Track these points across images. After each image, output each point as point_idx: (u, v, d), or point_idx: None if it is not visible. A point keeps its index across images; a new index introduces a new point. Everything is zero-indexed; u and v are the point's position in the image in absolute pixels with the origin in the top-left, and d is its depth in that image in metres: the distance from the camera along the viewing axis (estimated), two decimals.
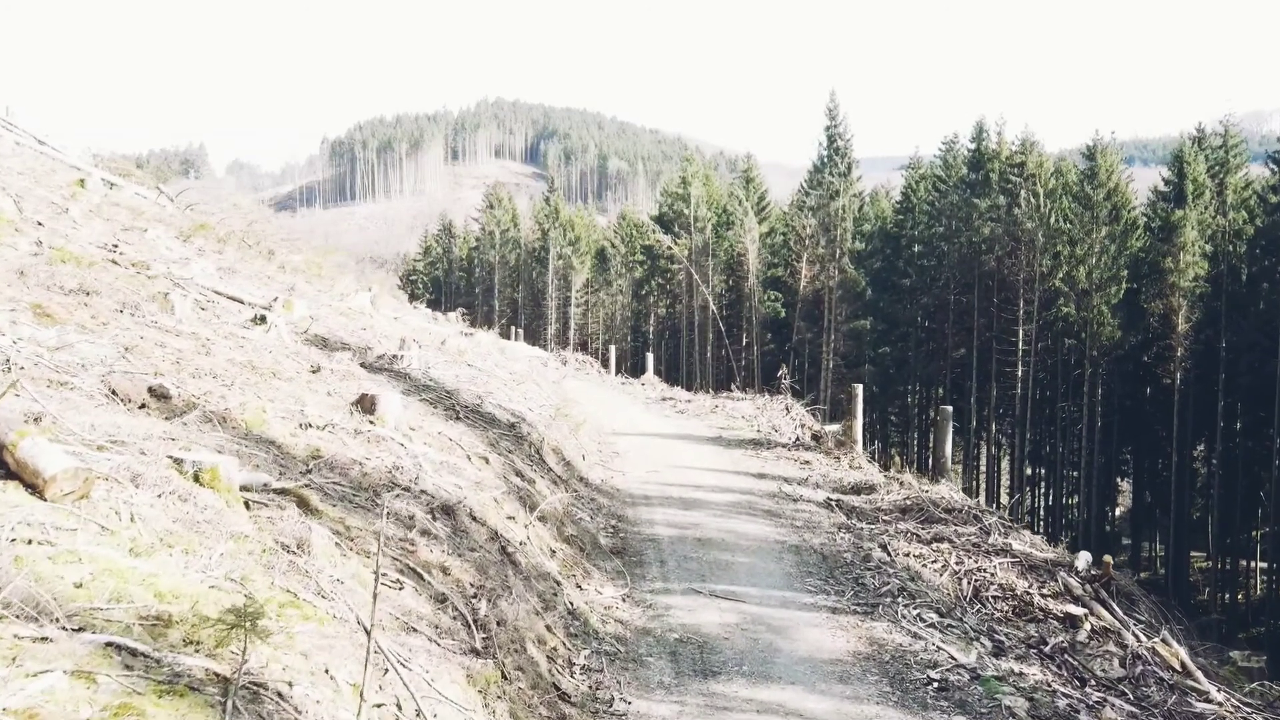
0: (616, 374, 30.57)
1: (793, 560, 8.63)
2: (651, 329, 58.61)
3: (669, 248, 48.66)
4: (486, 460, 8.18)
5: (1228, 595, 39.92)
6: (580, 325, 63.24)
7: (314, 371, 8.88)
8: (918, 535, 10.32)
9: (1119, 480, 46.68)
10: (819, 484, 12.68)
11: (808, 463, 14.10)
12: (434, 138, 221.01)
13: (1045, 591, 9.26)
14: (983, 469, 44.60)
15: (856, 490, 12.49)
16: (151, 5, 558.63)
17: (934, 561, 9.38)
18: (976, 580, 9.12)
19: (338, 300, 13.91)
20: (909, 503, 11.63)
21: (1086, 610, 8.94)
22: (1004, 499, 46.97)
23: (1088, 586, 9.44)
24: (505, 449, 9.03)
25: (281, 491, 5.28)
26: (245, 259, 14.80)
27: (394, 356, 10.40)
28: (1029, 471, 43.10)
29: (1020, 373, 36.46)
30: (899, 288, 43.86)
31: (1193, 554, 42.49)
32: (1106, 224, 34.61)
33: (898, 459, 52.21)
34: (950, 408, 15.75)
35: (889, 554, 9.37)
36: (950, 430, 15.61)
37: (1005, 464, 46.03)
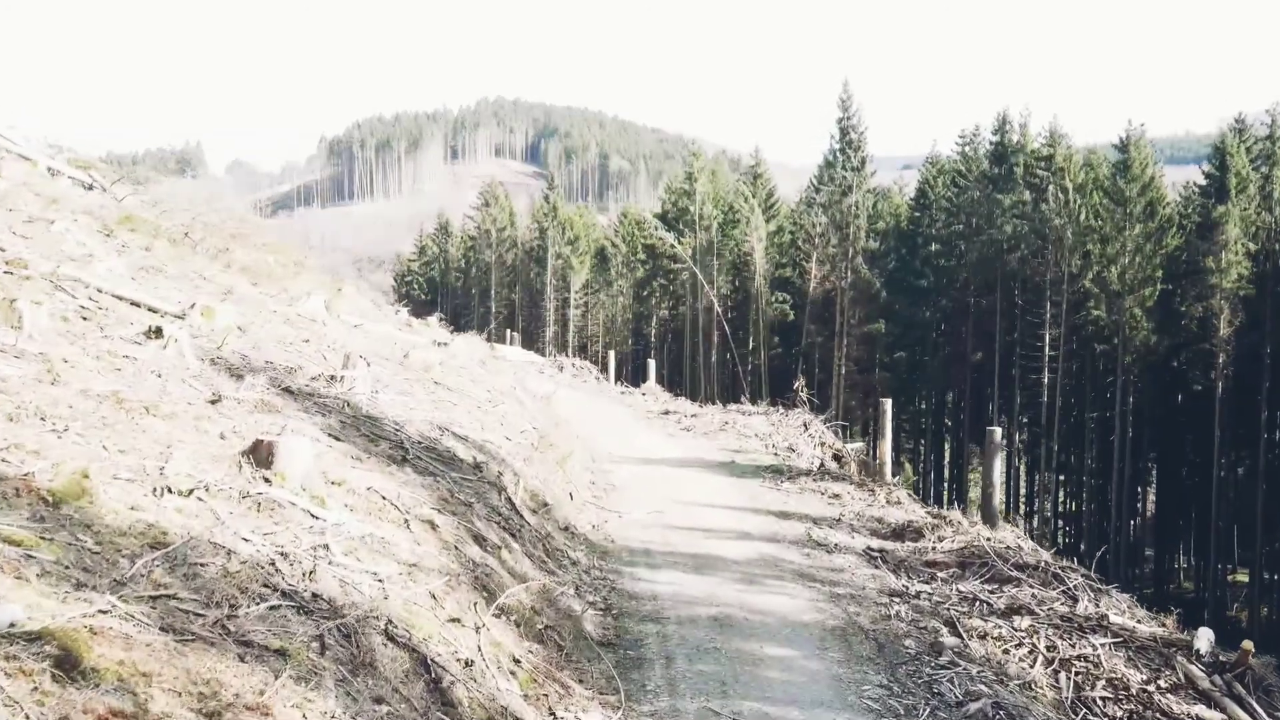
0: (616, 382, 28.52)
1: (840, 653, 6.54)
2: (653, 331, 56.51)
3: (673, 246, 46.50)
4: (433, 525, 6.10)
5: (1265, 611, 37.86)
6: (579, 328, 61.16)
7: (212, 403, 6.81)
8: (989, 603, 8.25)
9: (1139, 489, 44.70)
10: (854, 526, 10.62)
11: (837, 496, 12.02)
12: (433, 137, 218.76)
13: (1163, 684, 7.18)
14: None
15: (899, 534, 10.44)
16: (150, 3, 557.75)
17: (1018, 646, 7.30)
18: (1077, 672, 7.05)
19: (286, 305, 11.84)
20: (968, 553, 9.57)
21: (1222, 714, 6.87)
22: (1020, 508, 44.86)
23: (1217, 678, 7.34)
24: (462, 503, 6.95)
25: (34, 637, 3.18)
26: (182, 256, 12.77)
27: (332, 378, 8.32)
28: (1043, 478, 41.03)
29: (1046, 379, 34.31)
30: (915, 289, 41.71)
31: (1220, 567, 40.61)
32: (1141, 221, 32.42)
33: (908, 467, 50.06)
34: (999, 429, 13.63)
35: (961, 636, 7.28)
36: (1000, 457, 13.49)
37: (1021, 471, 43.92)
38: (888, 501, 11.98)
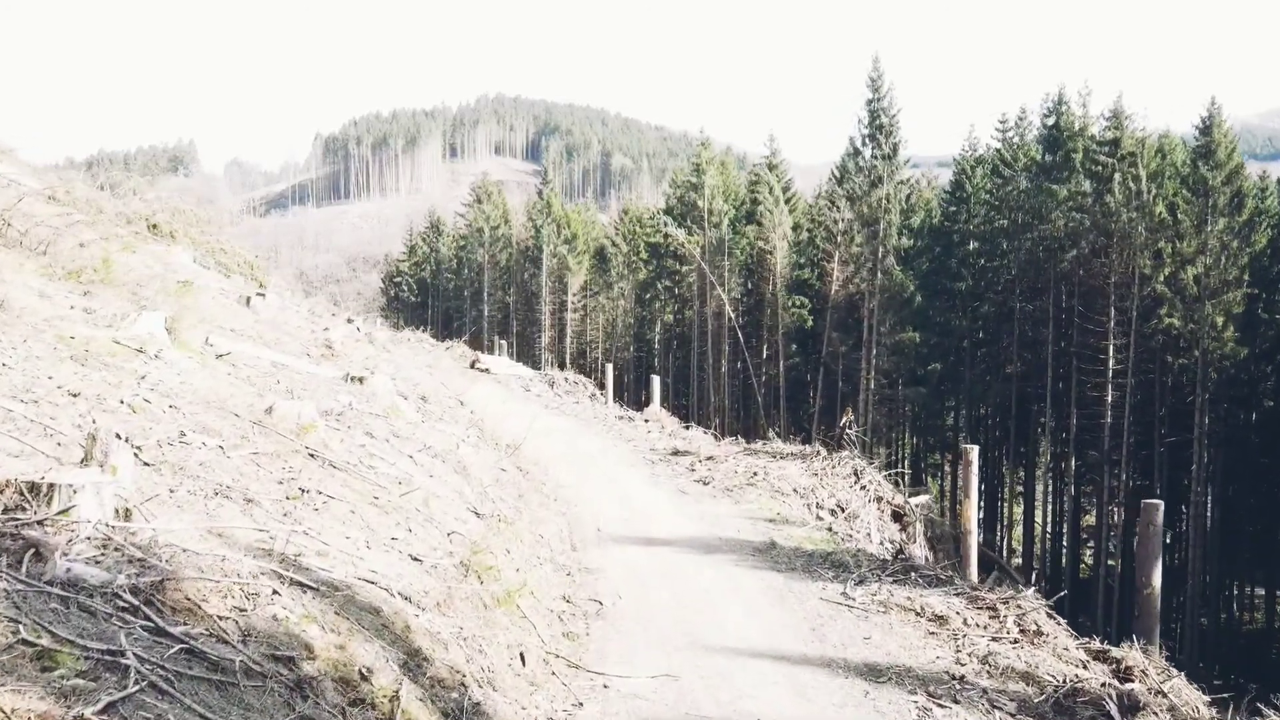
0: (614, 401, 24.34)
1: None
2: (657, 337, 52.28)
3: (682, 244, 42.19)
4: None
5: None
6: (578, 332, 56.98)
7: None
8: None
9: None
10: (990, 696, 6.48)
11: (941, 620, 7.88)
12: (431, 134, 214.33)
13: None
14: (1036, 503, 38.26)
15: (1068, 711, 6.35)
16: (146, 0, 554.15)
17: None
18: None
19: (105, 328, 7.79)
20: None
21: None
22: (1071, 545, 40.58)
23: None
24: None
25: None
26: None
27: (33, 489, 4.24)
28: (1106, 513, 36.87)
29: (1110, 397, 29.99)
30: (951, 292, 37.35)
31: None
32: (1225, 214, 28.19)
33: (933, 487, 45.77)
34: (1160, 502, 9.32)
35: None
36: (1160, 537, 9.26)
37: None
38: (1021, 630, 7.80)
